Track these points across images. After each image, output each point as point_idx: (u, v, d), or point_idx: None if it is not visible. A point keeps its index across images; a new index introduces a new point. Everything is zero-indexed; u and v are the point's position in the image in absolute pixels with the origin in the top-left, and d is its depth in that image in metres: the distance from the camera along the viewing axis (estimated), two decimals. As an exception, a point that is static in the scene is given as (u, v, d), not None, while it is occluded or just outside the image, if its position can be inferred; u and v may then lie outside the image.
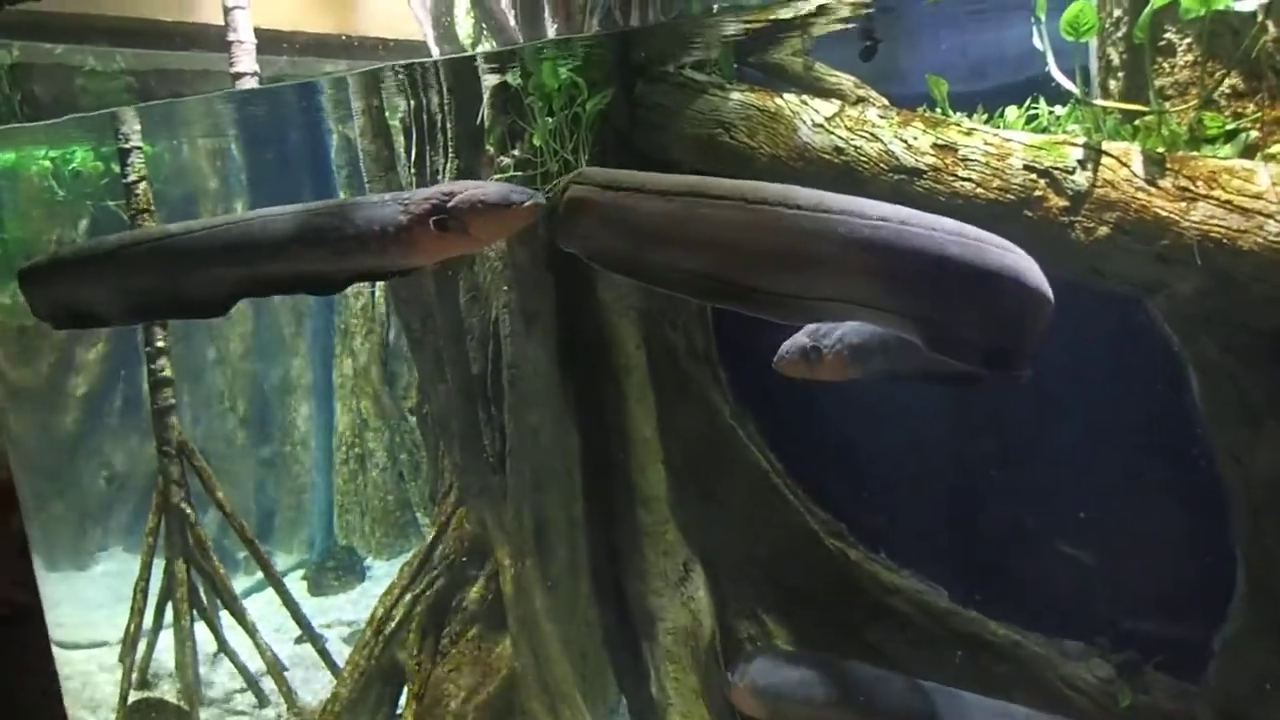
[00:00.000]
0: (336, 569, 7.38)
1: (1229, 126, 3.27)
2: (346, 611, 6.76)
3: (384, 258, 3.35)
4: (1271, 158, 3.15)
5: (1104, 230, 3.30)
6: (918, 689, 3.78)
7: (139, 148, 5.40)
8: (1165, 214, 3.18)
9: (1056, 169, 3.39)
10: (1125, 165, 3.30)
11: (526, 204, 3.27)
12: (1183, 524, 3.88)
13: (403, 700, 4.80)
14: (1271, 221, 3.01)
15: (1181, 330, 3.50)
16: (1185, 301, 3.31)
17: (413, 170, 4.83)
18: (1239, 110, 3.26)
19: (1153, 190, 3.22)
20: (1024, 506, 4.10)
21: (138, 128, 5.47)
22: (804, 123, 3.85)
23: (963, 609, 4.13)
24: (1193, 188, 3.16)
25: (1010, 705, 3.73)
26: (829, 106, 3.86)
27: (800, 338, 3.65)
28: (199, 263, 3.49)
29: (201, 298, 3.55)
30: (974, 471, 4.18)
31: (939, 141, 3.62)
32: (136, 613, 5.31)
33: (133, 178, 5.33)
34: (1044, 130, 3.65)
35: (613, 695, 4.68)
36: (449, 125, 4.60)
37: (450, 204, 3.28)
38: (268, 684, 5.30)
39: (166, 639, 5.37)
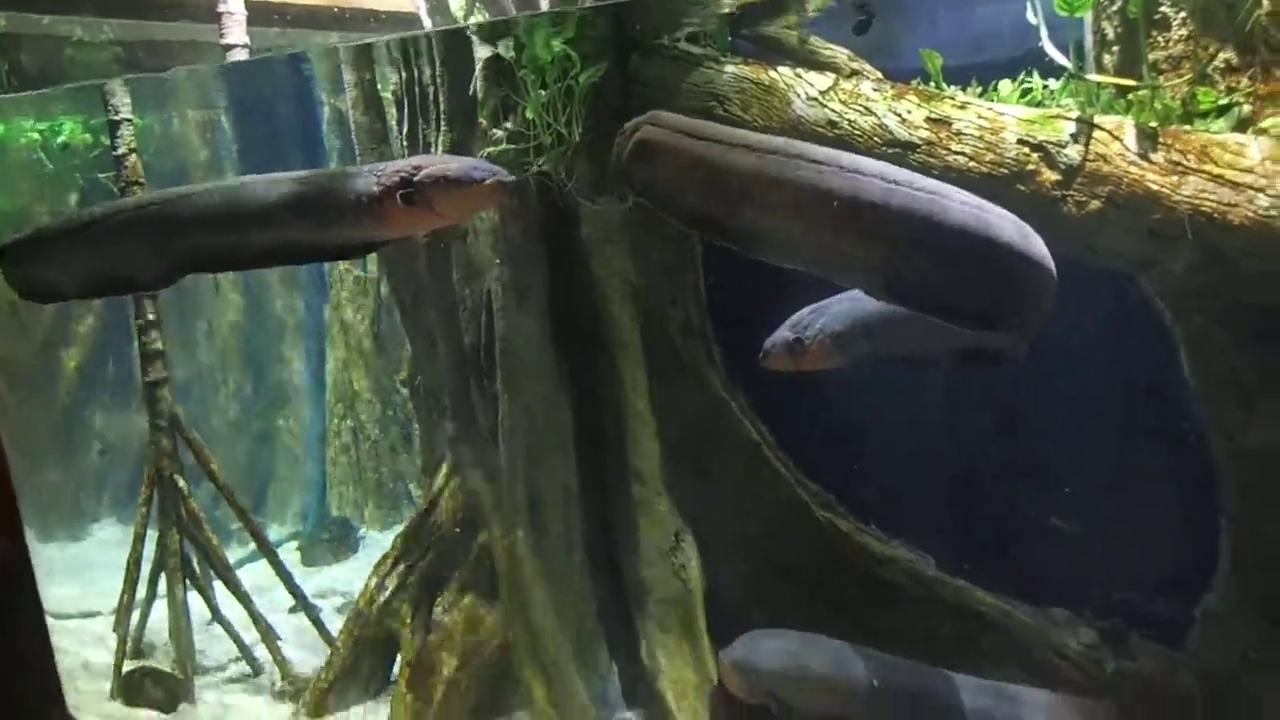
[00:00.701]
0: (330, 540, 7.41)
1: (1222, 101, 3.29)
2: (340, 582, 6.79)
3: (359, 228, 3.34)
4: (1263, 132, 3.17)
5: (1096, 204, 3.31)
6: (904, 667, 3.83)
7: (129, 120, 5.35)
8: (1157, 188, 3.20)
9: (1050, 143, 3.41)
10: (1118, 139, 3.32)
11: (488, 181, 3.25)
12: (1170, 497, 3.93)
13: (396, 669, 4.85)
14: (1262, 195, 3.03)
15: (1173, 306, 3.53)
16: (1176, 277, 3.34)
17: (405, 143, 4.81)
18: (1232, 85, 3.28)
19: (1145, 164, 3.24)
20: (1015, 479, 4.14)
21: (127, 100, 5.42)
22: (798, 96, 3.85)
23: (951, 578, 4.19)
24: (1184, 162, 3.17)
25: (997, 684, 3.78)
26: (823, 80, 3.86)
27: (783, 331, 3.70)
28: (177, 231, 3.48)
29: (178, 266, 3.54)
30: (965, 445, 4.22)
31: (933, 115, 3.62)
32: (130, 583, 5.33)
33: (122, 150, 5.29)
34: (1038, 104, 3.65)
35: (605, 663, 4.72)
36: (441, 98, 4.58)
37: (416, 178, 3.27)
38: (261, 653, 5.34)
39: (160, 609, 5.40)
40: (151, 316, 5.43)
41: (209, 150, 8.26)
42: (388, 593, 4.87)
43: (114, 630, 5.33)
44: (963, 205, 2.71)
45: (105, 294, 5.08)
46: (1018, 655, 3.99)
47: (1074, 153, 3.36)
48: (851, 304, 3.65)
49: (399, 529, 5.12)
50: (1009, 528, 4.29)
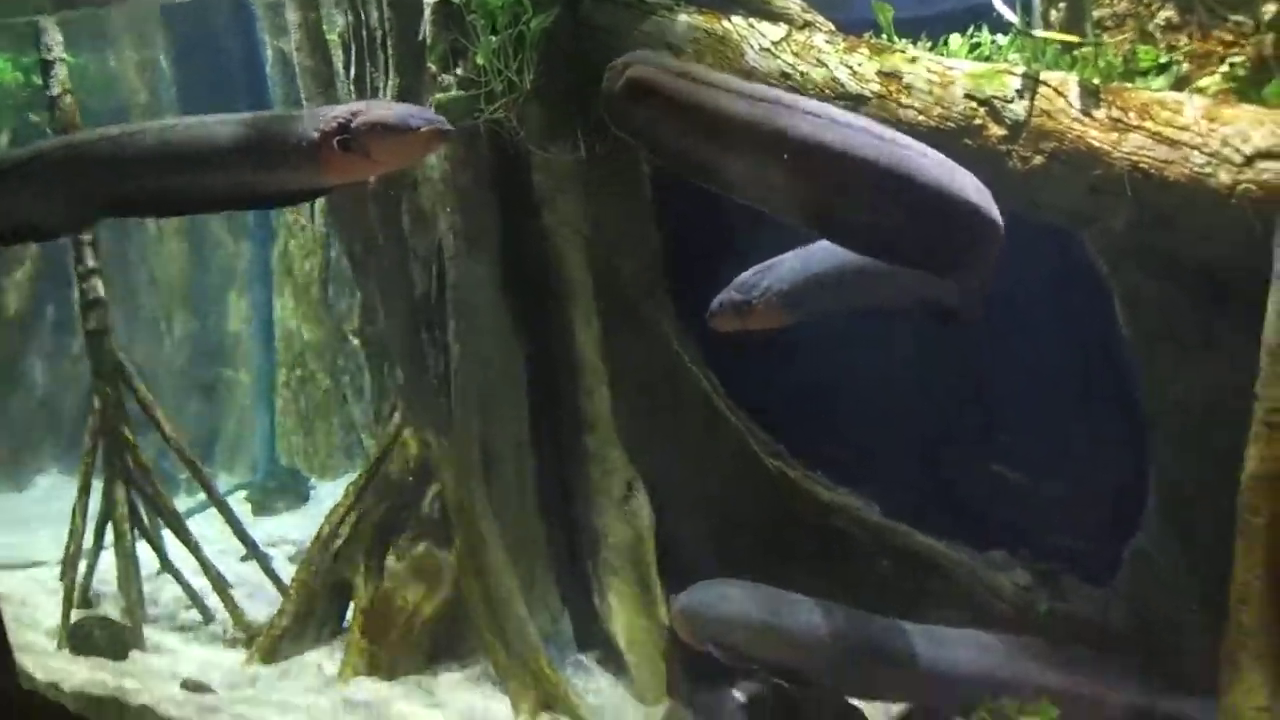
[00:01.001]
0: (280, 490, 7.38)
1: (1162, 59, 3.36)
2: (291, 531, 6.77)
3: (299, 175, 3.30)
4: (1200, 90, 3.25)
5: (1039, 160, 3.38)
6: (852, 617, 3.95)
7: (62, 59, 5.17)
8: (1098, 144, 3.28)
9: (996, 98, 3.46)
10: (1062, 95, 3.38)
11: (425, 130, 3.21)
12: (1105, 447, 4.09)
13: (349, 615, 4.88)
14: (1197, 153, 3.12)
15: (1111, 262, 3.64)
16: (1115, 233, 3.43)
17: (352, 88, 4.72)
18: (1172, 43, 3.35)
19: (1087, 120, 3.31)
20: (958, 428, 4.27)
21: (60, 39, 5.23)
22: (751, 47, 3.85)
23: (895, 524, 4.32)
24: (1125, 119, 3.25)
25: (941, 629, 3.92)
26: (776, 30, 3.86)
27: (730, 292, 3.76)
28: (119, 171, 3.41)
29: (122, 206, 3.47)
30: (911, 396, 4.33)
31: (883, 69, 3.65)
32: (76, 534, 5.27)
33: (56, 90, 5.11)
34: (987, 59, 3.69)
35: (557, 608, 4.80)
36: (390, 42, 4.48)
37: (353, 124, 3.23)
38: (213, 601, 5.34)
39: (108, 559, 5.36)
40: (92, 264, 5.30)
41: (148, 92, 8.01)
42: (340, 540, 4.88)
43: (60, 580, 5.28)
44: (938, 164, 2.88)
45: (23, 240, 4.94)
46: (957, 596, 4.14)
47: (1019, 108, 3.41)
48: (800, 262, 3.72)
49: (350, 479, 5.12)
50: (952, 475, 4.43)
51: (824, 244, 3.70)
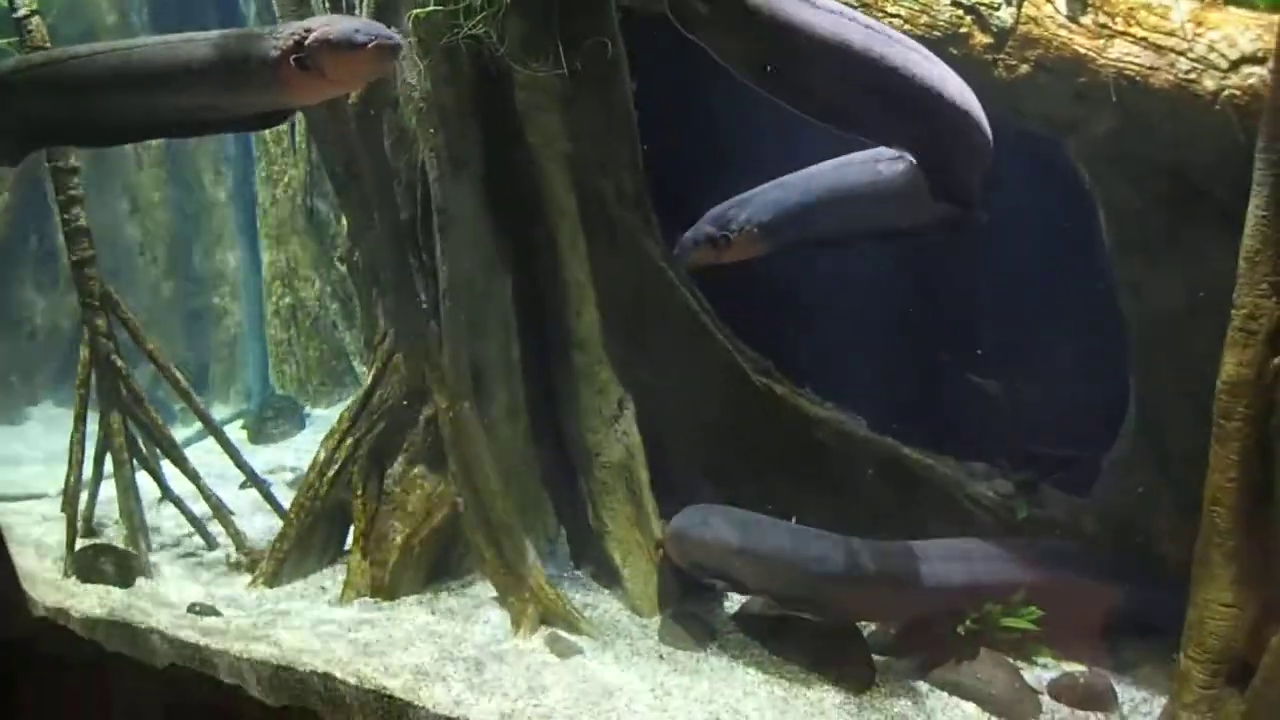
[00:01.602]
0: (276, 418, 7.42)
1: (1152, -39, 3.29)
2: (288, 458, 6.85)
3: (265, 94, 3.24)
4: (1189, -7, 3.20)
5: (1025, 68, 3.35)
6: (827, 541, 4.06)
7: (26, -18, 5.00)
8: (1084, 51, 3.24)
9: (983, 5, 3.40)
10: (1049, 1, 3.32)
11: (370, 45, 3.12)
12: (1084, 356, 4.13)
13: (349, 538, 4.98)
14: (1183, 59, 3.09)
15: (1093, 170, 3.63)
16: (1099, 141, 3.42)
17: (326, 5, 4.59)
18: (1162, -56, 3.27)
19: (1074, 27, 3.26)
20: (937, 341, 4.31)
21: (22, -41, 5.04)
22: (736, -46, 3.74)
23: (879, 437, 4.39)
24: (1111, 24, 3.20)
25: (920, 543, 4.02)
26: (759, -63, 3.75)
27: (704, 227, 3.78)
28: (99, 89, 3.35)
29: (100, 125, 3.42)
30: (892, 309, 4.34)
31: (870, -24, 3.57)
32: (75, 464, 5.31)
33: (22, 12, 4.95)
34: (974, -36, 3.61)
35: (552, 526, 4.92)
36: (365, -44, 4.36)
37: (306, 42, 3.15)
38: (214, 528, 5.43)
39: (109, 488, 5.43)
40: (74, 192, 5.22)
41: (117, 13, 7.77)
42: (337, 465, 4.95)
43: (62, 510, 5.35)
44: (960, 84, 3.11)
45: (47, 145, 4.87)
46: (940, 505, 4.25)
47: (1006, 15, 3.36)
48: (780, 192, 3.73)
49: (344, 405, 5.16)
50: (935, 388, 4.49)
51: (801, 174, 3.75)
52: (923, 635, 4.03)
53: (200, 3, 7.69)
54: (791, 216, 3.68)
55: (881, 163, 3.62)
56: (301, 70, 3.11)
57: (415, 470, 4.81)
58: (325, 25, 3.20)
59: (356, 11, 4.45)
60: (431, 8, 4.14)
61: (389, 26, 4.29)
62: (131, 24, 7.73)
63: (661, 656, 4.20)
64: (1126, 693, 3.83)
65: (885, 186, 3.60)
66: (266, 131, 7.74)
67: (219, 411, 7.64)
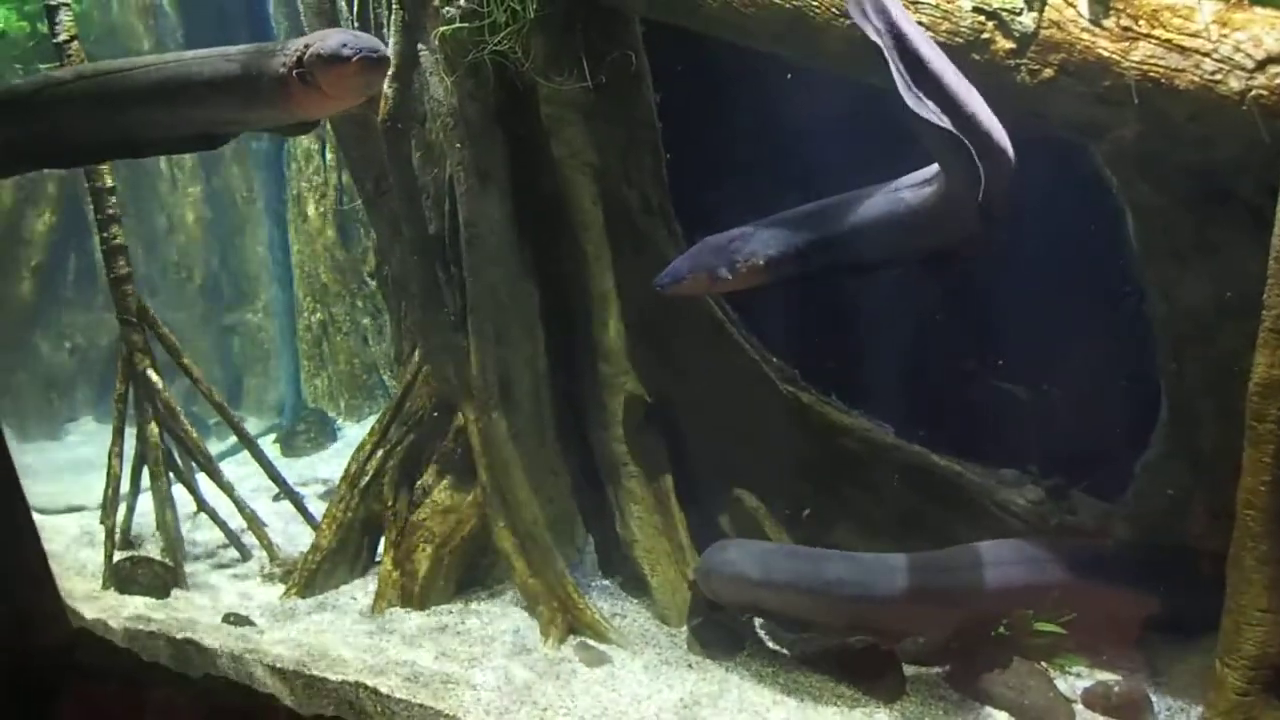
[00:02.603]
0: (308, 431, 7.52)
1: (1176, -37, 3.28)
2: (321, 470, 6.94)
3: (277, 110, 3.29)
4: (1213, -6, 3.18)
5: (1049, 73, 3.34)
6: (855, 564, 4.03)
7: (66, 4, 5.14)
8: (1108, 55, 3.22)
9: (1004, 10, 3.40)
10: (1071, 5, 3.31)
11: (355, 59, 3.13)
12: (1116, 361, 4.10)
13: (380, 548, 5.04)
14: (1208, 60, 3.06)
15: (1121, 173, 3.60)
16: (1125, 144, 3.40)
17: (356, 23, 4.69)
18: (1186, -54, 3.26)
19: (1097, 31, 3.25)
20: (965, 346, 4.29)
21: (62, -17, 5.19)
22: (756, -37, 3.77)
23: (907, 444, 4.37)
24: (1135, 27, 3.19)
25: (937, 553, 3.97)
26: (781, -52, 3.77)
27: (704, 257, 3.82)
28: (122, 104, 3.43)
29: (119, 141, 3.49)
30: (918, 315, 4.33)
31: (890, -16, 3.58)
32: (113, 477, 5.42)
33: (63, 36, 5.09)
34: (995, -30, 3.61)
35: (580, 536, 4.94)
36: (392, -25, 4.44)
37: (304, 57, 3.19)
38: (249, 540, 5.51)
39: (145, 502, 5.52)
40: (112, 211, 5.35)
41: (153, 37, 7.95)
42: (368, 476, 5.02)
43: (101, 523, 5.45)
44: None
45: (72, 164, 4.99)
46: (969, 512, 4.21)
47: (1028, 20, 3.36)
48: (787, 228, 3.78)
49: (374, 418, 5.22)
50: (965, 395, 4.46)
51: (813, 207, 3.83)
52: (955, 645, 3.99)
53: (234, 25, 7.85)
54: (794, 254, 3.74)
55: (904, 191, 3.63)
56: (304, 85, 3.15)
57: (445, 481, 4.86)
58: (320, 39, 3.24)
59: (384, 29, 4.54)
60: (456, 25, 4.21)
61: (416, 44, 4.43)
62: (166, 46, 7.90)
63: (690, 666, 4.20)
64: (1162, 701, 3.78)
65: (904, 216, 3.63)
66: (297, 150, 7.89)
67: (252, 425, 7.74)
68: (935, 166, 3.52)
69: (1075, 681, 3.93)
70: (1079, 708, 3.78)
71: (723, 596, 4.24)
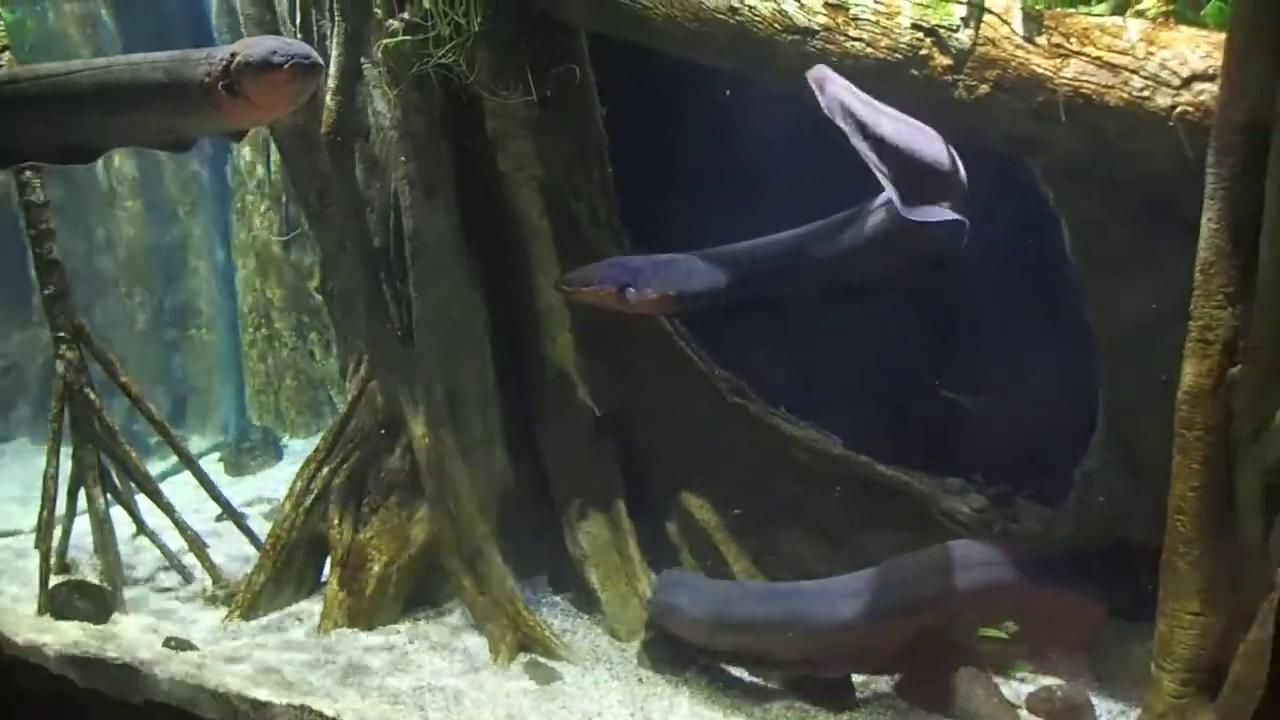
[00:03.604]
0: (253, 449, 7.39)
1: (1105, -16, 3.37)
2: (266, 489, 6.81)
3: (204, 119, 3.22)
4: (1141, 14, 3.27)
5: (985, 89, 3.41)
6: (806, 596, 4.02)
7: (-3, 14, 5.02)
8: (1041, 71, 3.30)
9: (942, 27, 3.46)
10: (1006, 23, 3.39)
11: (286, 67, 3.07)
12: (1054, 369, 4.17)
13: (326, 568, 4.95)
14: (1136, 77, 3.15)
15: (1056, 186, 3.68)
16: (1059, 157, 3.48)
17: (298, 35, 4.63)
18: (1114, -34, 3.35)
19: (1030, 47, 3.33)
20: (911, 358, 4.34)
21: (-8, -8, 5.08)
22: (700, -18, 3.81)
23: (854, 454, 4.41)
24: (1066, 44, 3.27)
25: (885, 569, 3.94)
26: (724, -35, 3.81)
27: (614, 272, 3.88)
28: (45, 110, 3.35)
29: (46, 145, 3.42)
30: (864, 328, 4.37)
31: (831, 1, 3.63)
32: (48, 499, 5.26)
33: (-8, 46, 4.97)
34: (933, -12, 3.68)
35: (530, 552, 4.89)
36: (334, -14, 4.40)
37: (231, 66, 3.13)
38: (190, 561, 5.38)
39: (83, 525, 5.38)
40: (46, 226, 5.21)
41: (91, 46, 7.78)
42: (313, 495, 4.92)
43: (36, 547, 5.29)
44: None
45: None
46: (915, 521, 4.26)
47: (965, 37, 3.42)
48: (708, 265, 3.93)
49: (321, 435, 5.14)
50: (910, 405, 4.51)
51: (741, 247, 3.97)
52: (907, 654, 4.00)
53: (175, 35, 7.72)
54: (706, 289, 3.87)
55: (834, 230, 3.78)
56: (230, 95, 3.08)
57: (392, 498, 4.79)
58: (247, 47, 3.17)
59: (327, 42, 4.49)
60: (400, 38, 4.18)
61: (359, 57, 4.39)
62: (106, 55, 7.74)
63: (641, 680, 4.18)
64: (1104, 704, 3.84)
65: (833, 257, 3.75)
66: (241, 163, 7.77)
67: (196, 444, 7.60)
68: (867, 205, 3.67)
69: (1019, 686, 3.98)
70: (1023, 713, 3.83)
71: (677, 635, 4.23)
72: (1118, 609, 3.84)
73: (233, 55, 3.13)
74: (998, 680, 3.91)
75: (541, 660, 4.29)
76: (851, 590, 3.92)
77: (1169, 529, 2.82)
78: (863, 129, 3.21)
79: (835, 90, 3.26)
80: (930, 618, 3.93)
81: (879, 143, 3.20)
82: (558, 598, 4.85)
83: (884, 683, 4.08)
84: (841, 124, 3.22)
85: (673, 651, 4.26)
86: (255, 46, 3.18)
